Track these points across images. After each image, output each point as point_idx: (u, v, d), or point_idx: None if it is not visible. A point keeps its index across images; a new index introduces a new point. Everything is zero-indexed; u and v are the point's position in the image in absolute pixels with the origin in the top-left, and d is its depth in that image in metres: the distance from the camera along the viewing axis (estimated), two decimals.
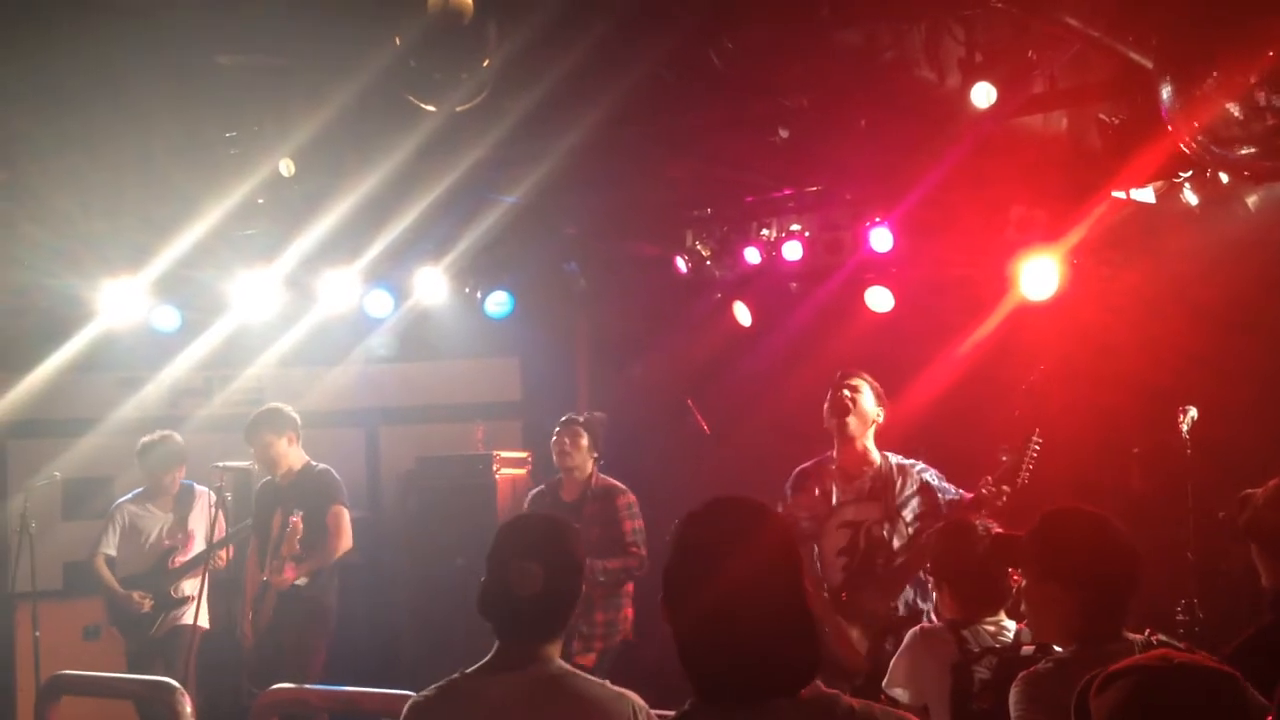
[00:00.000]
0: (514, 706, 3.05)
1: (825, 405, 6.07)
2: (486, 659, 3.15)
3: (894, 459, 5.97)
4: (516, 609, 3.12)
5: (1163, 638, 3.07)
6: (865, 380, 6.06)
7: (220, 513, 7.92)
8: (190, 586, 7.97)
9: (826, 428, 6.08)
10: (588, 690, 3.09)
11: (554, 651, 3.17)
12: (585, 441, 7.35)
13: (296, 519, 7.17)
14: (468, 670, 3.14)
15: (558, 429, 7.43)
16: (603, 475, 7.42)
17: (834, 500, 5.97)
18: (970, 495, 5.61)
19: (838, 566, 5.87)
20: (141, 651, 7.95)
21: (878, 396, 6.05)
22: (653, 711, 3.12)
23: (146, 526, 8.16)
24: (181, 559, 8.05)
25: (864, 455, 5.98)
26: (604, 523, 7.18)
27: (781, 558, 2.32)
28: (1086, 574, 3.28)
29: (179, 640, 7.82)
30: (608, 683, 3.15)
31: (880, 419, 6.03)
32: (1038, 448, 5.52)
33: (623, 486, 7.35)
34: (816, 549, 5.92)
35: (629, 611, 7.29)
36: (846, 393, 5.99)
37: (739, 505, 2.37)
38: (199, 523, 8.16)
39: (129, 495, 8.30)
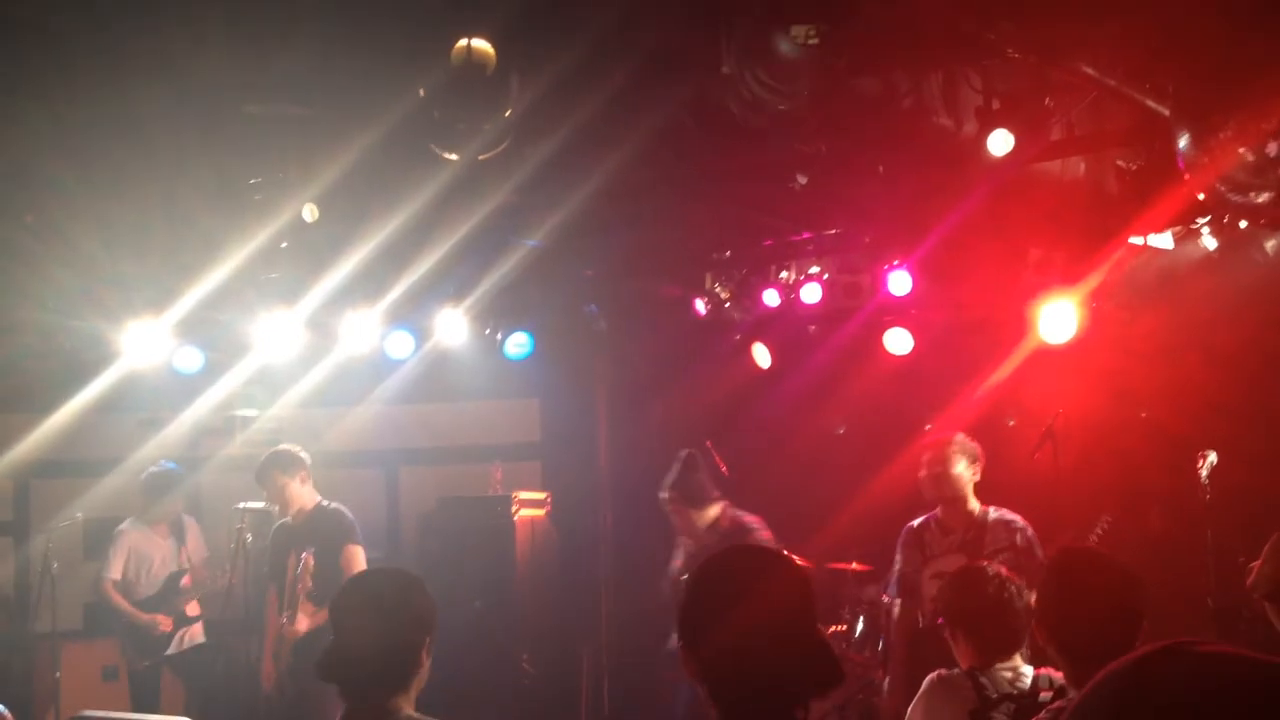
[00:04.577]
0: None
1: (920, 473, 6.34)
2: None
3: (993, 514, 6.17)
4: (356, 665, 3.07)
5: None
6: (953, 447, 6.23)
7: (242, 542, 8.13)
8: (194, 607, 8.46)
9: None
10: None
11: (404, 702, 3.11)
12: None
13: (308, 555, 7.20)
14: None
15: None
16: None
17: (930, 553, 6.26)
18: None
19: (930, 613, 6.10)
20: (151, 672, 8.31)
21: (969, 457, 6.22)
22: None
23: (151, 552, 8.45)
24: (189, 581, 8.42)
25: (961, 510, 6.22)
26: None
27: (792, 587, 2.40)
28: (1079, 647, 3.35)
29: (199, 658, 8.32)
30: None
31: (976, 476, 6.22)
32: (1104, 528, 5.86)
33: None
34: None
35: None
36: (936, 468, 6.23)
37: (750, 550, 2.52)
38: (194, 548, 8.60)
39: (127, 522, 8.56)
